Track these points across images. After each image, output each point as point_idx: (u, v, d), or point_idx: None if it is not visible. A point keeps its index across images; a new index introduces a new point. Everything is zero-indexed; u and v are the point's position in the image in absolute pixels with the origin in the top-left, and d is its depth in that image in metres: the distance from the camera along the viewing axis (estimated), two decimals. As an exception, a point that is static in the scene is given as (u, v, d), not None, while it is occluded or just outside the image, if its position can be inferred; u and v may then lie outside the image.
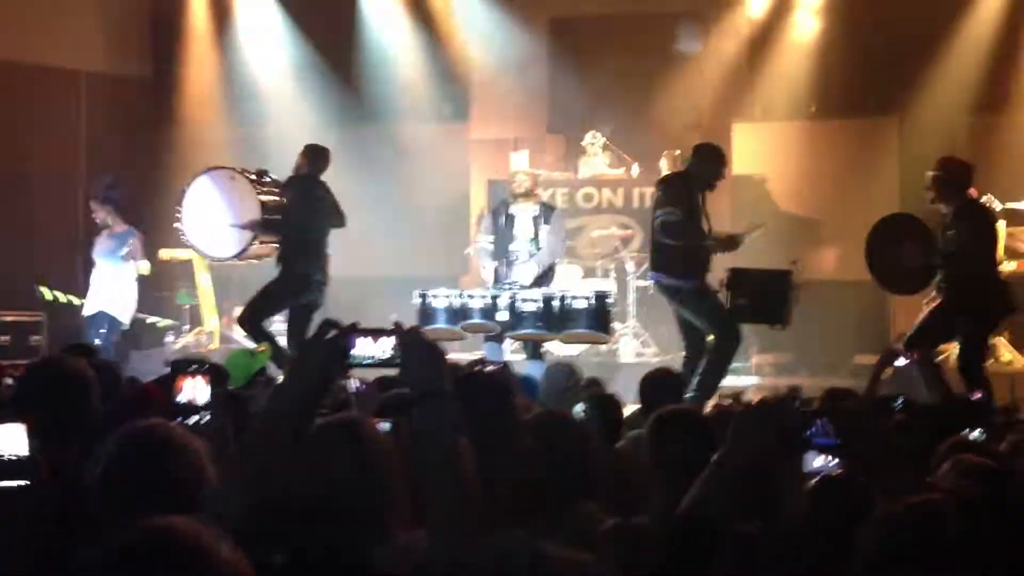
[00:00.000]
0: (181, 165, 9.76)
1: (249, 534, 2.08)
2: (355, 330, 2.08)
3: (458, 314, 6.91)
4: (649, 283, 9.83)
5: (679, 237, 6.48)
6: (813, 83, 10.41)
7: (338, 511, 1.99)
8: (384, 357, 2.06)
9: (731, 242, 6.77)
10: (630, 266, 9.67)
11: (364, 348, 2.06)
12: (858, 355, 9.06)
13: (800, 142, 10.56)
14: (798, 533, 2.33)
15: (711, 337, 6.46)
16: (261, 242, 7.57)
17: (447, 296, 6.99)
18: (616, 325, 9.62)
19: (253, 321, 7.23)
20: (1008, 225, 8.44)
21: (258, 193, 7.53)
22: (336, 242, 7.35)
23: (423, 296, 7.00)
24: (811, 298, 6.91)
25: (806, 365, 9.33)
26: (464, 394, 2.19)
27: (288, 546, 2.12)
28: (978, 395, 4.46)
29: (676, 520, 2.11)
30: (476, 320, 6.87)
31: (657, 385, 4.39)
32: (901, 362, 4.90)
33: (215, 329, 9.94)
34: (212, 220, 7.71)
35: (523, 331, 6.84)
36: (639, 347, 9.57)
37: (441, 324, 6.85)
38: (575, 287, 7.76)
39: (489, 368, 5.34)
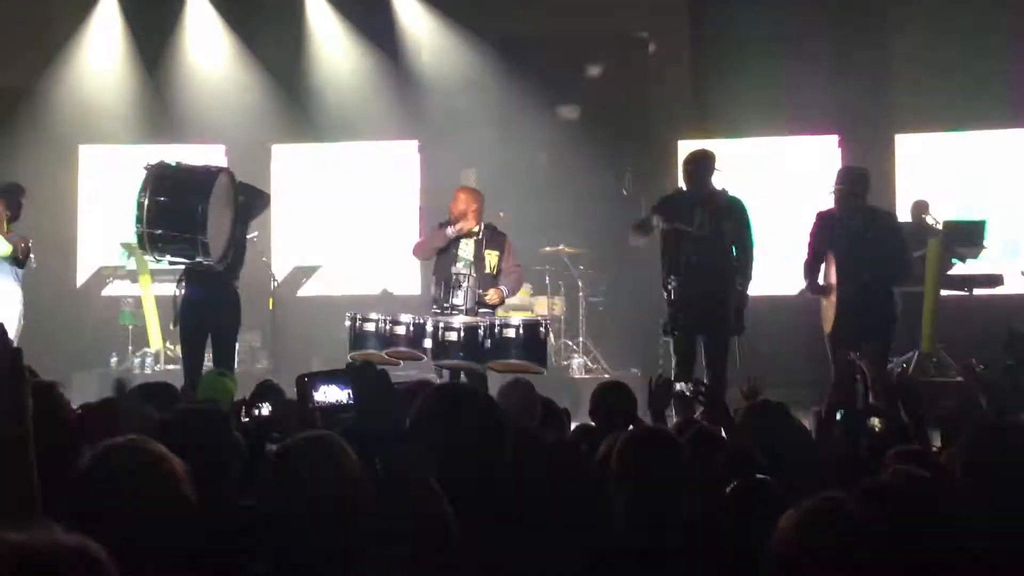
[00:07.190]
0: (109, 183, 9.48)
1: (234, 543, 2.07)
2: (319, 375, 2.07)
3: (386, 339, 6.63)
4: (600, 299, 9.94)
5: None
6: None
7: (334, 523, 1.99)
8: (346, 402, 2.06)
9: None
10: (581, 283, 9.72)
11: (328, 393, 2.07)
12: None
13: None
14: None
15: None
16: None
17: (375, 320, 6.71)
18: (567, 341, 9.70)
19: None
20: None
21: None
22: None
23: (353, 319, 6.76)
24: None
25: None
26: (448, 410, 2.19)
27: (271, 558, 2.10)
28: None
29: None
30: (402, 348, 6.65)
31: (610, 398, 4.30)
32: None
33: (160, 350, 9.72)
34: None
35: (448, 360, 6.57)
36: (589, 363, 9.60)
37: (371, 349, 6.61)
38: (507, 316, 7.35)
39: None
